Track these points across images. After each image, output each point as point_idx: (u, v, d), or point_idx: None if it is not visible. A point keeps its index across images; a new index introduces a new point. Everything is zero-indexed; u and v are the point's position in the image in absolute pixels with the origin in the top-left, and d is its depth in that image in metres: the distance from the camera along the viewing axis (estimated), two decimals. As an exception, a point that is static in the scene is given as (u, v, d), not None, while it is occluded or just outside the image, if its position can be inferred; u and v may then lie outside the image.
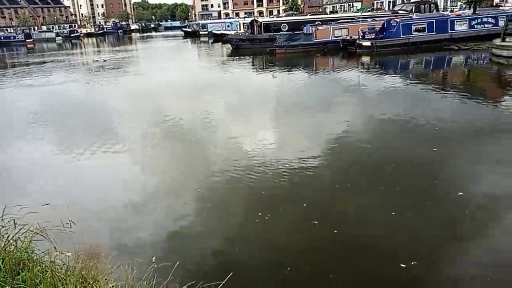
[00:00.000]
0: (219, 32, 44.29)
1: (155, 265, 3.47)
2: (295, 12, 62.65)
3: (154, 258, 4.50)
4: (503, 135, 8.28)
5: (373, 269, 4.46)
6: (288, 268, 4.53)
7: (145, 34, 76.88)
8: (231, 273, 3.43)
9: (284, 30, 30.82)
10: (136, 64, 27.94)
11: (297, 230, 5.35)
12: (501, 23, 21.66)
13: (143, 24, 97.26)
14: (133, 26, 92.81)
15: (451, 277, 4.27)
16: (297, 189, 6.51)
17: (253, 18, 40.25)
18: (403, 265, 4.38)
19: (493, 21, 24.56)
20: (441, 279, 4.23)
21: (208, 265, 4.66)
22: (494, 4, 41.85)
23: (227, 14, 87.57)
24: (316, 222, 5.36)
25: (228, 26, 46.14)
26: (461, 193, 5.86)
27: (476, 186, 6.14)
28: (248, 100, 13.65)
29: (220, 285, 3.12)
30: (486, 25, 24.51)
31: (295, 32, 27.40)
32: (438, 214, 5.45)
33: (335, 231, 5.16)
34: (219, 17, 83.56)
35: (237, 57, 27.17)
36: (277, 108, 12.22)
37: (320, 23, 28.76)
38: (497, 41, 18.56)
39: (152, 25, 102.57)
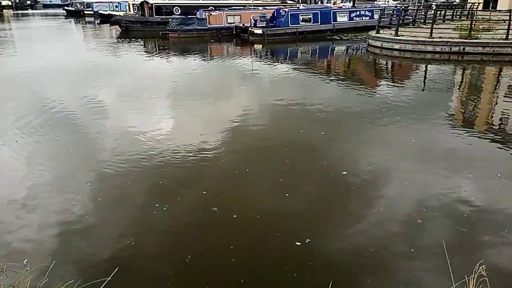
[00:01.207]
0: (106, 13, 41.34)
1: (28, 268, 3.20)
2: (187, -4, 61.33)
3: (25, 260, 4.16)
4: (378, 118, 9.23)
5: (272, 249, 4.67)
6: (188, 257, 4.52)
7: (20, 12, 68.09)
8: (117, 269, 3.33)
9: (177, 13, 30.04)
10: (11, 46, 24.71)
11: (197, 218, 5.34)
12: (376, 16, 23.99)
13: (17, 1, 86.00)
14: (4, 2, 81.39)
15: (342, 250, 4.66)
16: (196, 176, 6.48)
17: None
18: (298, 243, 4.66)
19: (369, 14, 27.09)
20: (332, 253, 4.60)
21: (94, 262, 4.41)
22: (370, -1, 46.01)
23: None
24: (215, 209, 5.41)
25: (116, 6, 43.25)
26: (345, 172, 6.41)
27: (358, 165, 6.78)
28: (142, 86, 13.07)
29: (106, 282, 2.98)
30: (363, 18, 26.95)
31: (188, 16, 26.89)
32: (329, 192, 5.92)
33: (235, 216, 5.26)
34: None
35: (128, 40, 25.74)
36: (174, 94, 11.94)
37: (213, 8, 28.65)
38: (373, 33, 20.55)
39: (28, 2, 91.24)
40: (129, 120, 9.19)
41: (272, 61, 18.81)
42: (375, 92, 12.33)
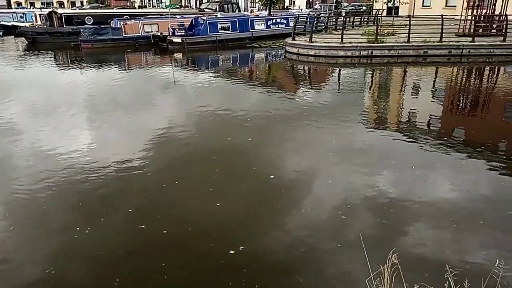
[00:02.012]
0: (9, 24, 38.05)
1: None
2: (100, 5, 58.88)
3: None
4: (300, 121, 9.57)
5: (205, 261, 4.58)
6: (117, 280, 4.27)
7: None
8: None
9: (89, 23, 28.57)
10: None
11: (123, 238, 5.07)
12: (291, 24, 24.90)
13: None
14: None
15: (275, 253, 4.71)
16: (121, 194, 6.17)
17: (51, 9, 35.91)
18: (232, 251, 4.64)
19: (285, 22, 28.06)
20: (266, 256, 4.64)
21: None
22: (285, 7, 47.81)
23: (19, 4, 75.80)
24: (143, 226, 5.19)
25: (21, 17, 39.98)
26: (273, 176, 6.53)
27: (285, 168, 6.94)
28: (56, 100, 12.16)
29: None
30: (280, 26, 27.84)
31: (102, 26, 25.71)
32: (259, 198, 5.97)
33: (164, 232, 5.09)
34: (9, 6, 71.70)
35: (36, 52, 23.90)
36: (91, 108, 11.28)
37: (128, 17, 27.70)
38: (289, 40, 21.31)
39: None
40: (43, 138, 8.51)
41: (193, 69, 18.67)
42: (296, 96, 12.79)
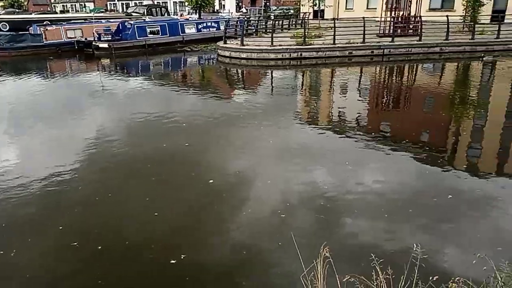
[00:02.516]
0: None
1: None
2: (17, 10, 54.82)
3: None
4: (237, 123, 9.60)
5: (146, 274, 4.41)
6: (50, 304, 3.97)
7: None
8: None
9: (5, 29, 26.50)
10: None
11: (54, 258, 4.73)
12: (222, 27, 24.94)
13: None
14: None
15: (217, 258, 4.66)
16: (49, 211, 5.75)
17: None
18: (173, 261, 4.51)
19: (216, 25, 28.05)
20: (209, 263, 4.57)
21: None
22: (215, 10, 47.82)
23: None
24: (76, 244, 4.87)
25: None
26: (212, 181, 6.47)
27: (224, 171, 6.91)
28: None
29: None
30: (211, 29, 27.77)
31: (20, 32, 23.92)
32: (199, 204, 5.87)
33: (99, 248, 4.83)
34: None
35: None
36: (11, 120, 10.42)
37: (49, 23, 26.03)
38: (221, 43, 21.33)
39: None
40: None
41: (123, 75, 18.00)
42: (231, 99, 12.82)
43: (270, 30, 20.74)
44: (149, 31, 24.38)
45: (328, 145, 8.19)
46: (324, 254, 2.90)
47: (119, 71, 19.38)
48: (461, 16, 22.93)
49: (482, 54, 18.95)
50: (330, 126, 9.49)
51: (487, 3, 22.96)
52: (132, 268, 4.53)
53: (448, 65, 18.63)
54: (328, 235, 4.94)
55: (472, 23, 21.33)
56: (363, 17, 20.15)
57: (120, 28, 23.97)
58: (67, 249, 4.80)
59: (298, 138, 8.51)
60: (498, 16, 21.87)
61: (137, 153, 7.91)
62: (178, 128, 9.38)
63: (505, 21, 21.70)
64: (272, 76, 16.96)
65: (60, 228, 5.26)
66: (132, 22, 24.77)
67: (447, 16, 20.19)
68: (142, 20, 26.68)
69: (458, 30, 22.08)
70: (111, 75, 17.98)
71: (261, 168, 7.03)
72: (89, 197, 6.10)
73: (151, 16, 31.93)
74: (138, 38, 23.70)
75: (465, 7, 22.95)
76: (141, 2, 40.42)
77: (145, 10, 35.25)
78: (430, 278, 2.79)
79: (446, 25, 19.85)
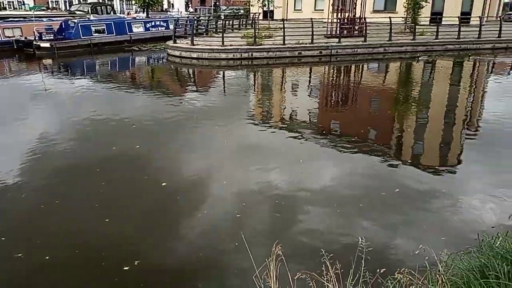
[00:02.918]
0: None
1: None
2: None
3: None
4: (190, 123, 9.48)
5: (98, 283, 4.26)
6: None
7: None
8: None
9: None
10: None
11: (-3, 271, 4.44)
12: (172, 26, 24.53)
13: None
14: None
15: (173, 262, 4.58)
16: (-12, 221, 5.39)
17: None
18: (127, 268, 4.38)
19: (165, 24, 27.53)
20: (164, 267, 4.48)
21: None
22: (164, 9, 46.92)
23: None
24: (20, 255, 4.59)
25: None
26: (165, 184, 6.35)
27: (178, 173, 6.80)
28: None
29: None
30: (159, 28, 27.23)
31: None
32: (152, 207, 5.73)
33: (47, 258, 4.58)
34: None
35: None
36: None
37: (-17, 20, 24.34)
38: (170, 43, 20.98)
39: None
40: None
41: (67, 76, 17.19)
42: (183, 99, 12.63)
43: (221, 30, 20.68)
44: (94, 30, 23.48)
45: (282, 144, 8.30)
46: (277, 252, 2.93)
47: (63, 71, 18.48)
48: (402, 17, 24.13)
49: (418, 55, 20.16)
50: (283, 125, 9.62)
51: (426, 5, 24.32)
52: (82, 278, 4.34)
53: (392, 65, 19.54)
54: (283, 233, 5.01)
55: (413, 24, 22.50)
56: (311, 18, 20.63)
57: (63, 26, 22.88)
58: (11, 260, 4.51)
59: (253, 138, 8.56)
60: (436, 18, 23.22)
61: (85, 157, 7.58)
62: (128, 130, 9.11)
63: (443, 22, 23.09)
64: (224, 76, 16.93)
65: (3, 239, 4.94)
66: (75, 20, 23.71)
67: (389, 17, 21.17)
68: (87, 19, 25.61)
69: (400, 31, 23.22)
70: (54, 76, 17.11)
71: (217, 168, 7.00)
72: (34, 205, 5.78)
73: (96, 15, 30.71)
74: (82, 37, 22.76)
75: (406, 9, 24.17)
76: (85, 0, 38.78)
77: (90, 8, 33.82)
78: (378, 270, 2.90)
79: (389, 27, 20.79)
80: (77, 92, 13.40)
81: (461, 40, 21.83)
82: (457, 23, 22.29)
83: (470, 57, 20.46)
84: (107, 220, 5.35)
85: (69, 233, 5.17)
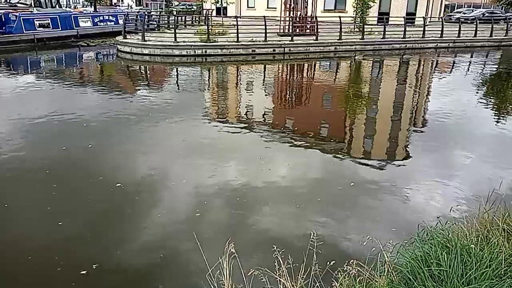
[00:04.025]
0: None
1: None
2: None
3: None
4: (145, 121, 9.26)
5: (52, 289, 4.09)
6: None
7: None
8: None
9: None
10: None
11: None
12: (121, 21, 23.77)
13: None
14: None
15: (133, 265, 4.48)
16: None
17: None
18: (84, 272, 4.24)
19: (114, 19, 26.63)
20: (123, 270, 4.37)
21: None
22: (113, 3, 45.33)
23: None
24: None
25: None
26: (120, 184, 6.18)
27: (134, 172, 6.64)
28: None
29: None
30: (108, 23, 26.31)
31: None
32: (108, 209, 5.57)
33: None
34: None
35: None
36: None
37: None
38: (120, 38, 20.34)
39: None
40: None
41: (8, 73, 16.18)
42: (137, 97, 12.32)
43: (173, 26, 20.32)
44: (38, 24, 22.27)
45: (239, 141, 8.33)
46: (230, 250, 2.95)
47: (4, 68, 17.38)
48: (352, 17, 24.93)
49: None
50: (239, 122, 9.65)
51: (373, 5, 25.26)
52: (34, 286, 4.15)
53: (342, 63, 20.14)
54: (244, 230, 5.06)
55: (361, 24, 23.31)
56: (264, 16, 20.79)
57: (3, 20, 21.52)
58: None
59: (211, 135, 8.51)
60: (383, 18, 24.22)
61: (35, 158, 7.21)
62: (78, 129, 8.76)
63: (390, 22, 24.11)
64: (177, 73, 16.69)
65: None
66: (17, 14, 22.35)
67: (339, 17, 21.79)
68: (29, 12, 24.22)
69: (350, 31, 23.98)
70: (-6, 72, 16.06)
71: (175, 167, 6.91)
72: (-22, 210, 5.43)
73: (40, 8, 29.08)
74: (25, 32, 21.53)
75: (355, 8, 24.98)
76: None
77: (33, 1, 31.95)
78: (327, 263, 3.00)
79: (339, 26, 21.40)
80: (21, 90, 12.64)
81: (407, 39, 22.93)
82: (403, 23, 23.40)
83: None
84: (60, 223, 5.13)
85: (18, 239, 4.92)
